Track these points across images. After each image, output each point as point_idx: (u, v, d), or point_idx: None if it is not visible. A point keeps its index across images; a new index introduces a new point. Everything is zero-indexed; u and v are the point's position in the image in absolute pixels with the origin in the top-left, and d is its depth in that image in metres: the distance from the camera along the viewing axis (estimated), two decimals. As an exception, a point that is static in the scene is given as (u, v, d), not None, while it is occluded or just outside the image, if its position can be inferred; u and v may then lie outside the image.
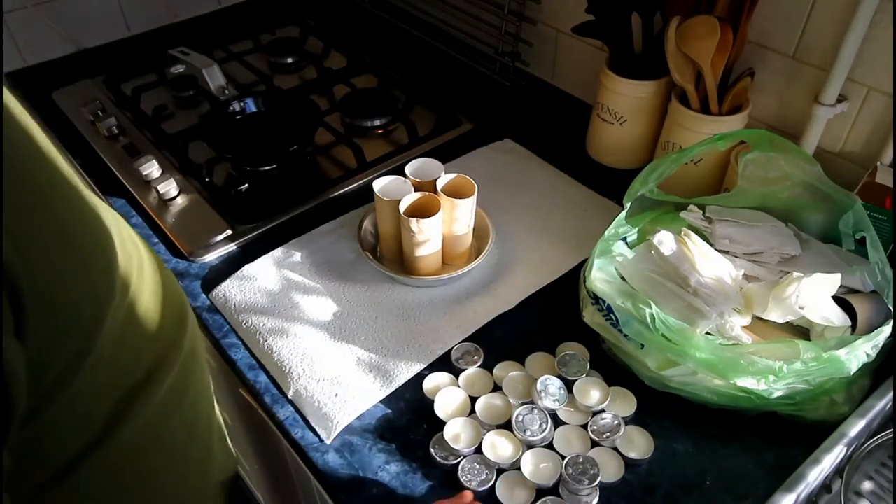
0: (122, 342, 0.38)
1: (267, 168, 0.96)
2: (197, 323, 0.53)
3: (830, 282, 0.65)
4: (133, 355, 0.41)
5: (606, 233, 0.70)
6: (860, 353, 0.59)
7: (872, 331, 0.62)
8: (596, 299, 0.67)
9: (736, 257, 0.73)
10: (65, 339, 0.33)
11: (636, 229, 0.76)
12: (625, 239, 0.72)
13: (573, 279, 0.80)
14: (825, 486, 0.65)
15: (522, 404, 0.66)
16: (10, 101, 0.33)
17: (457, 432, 0.65)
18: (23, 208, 0.30)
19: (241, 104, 1.03)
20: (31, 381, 0.30)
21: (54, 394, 0.33)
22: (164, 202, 0.92)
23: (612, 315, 0.65)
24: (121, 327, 0.38)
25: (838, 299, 0.67)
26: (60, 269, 0.32)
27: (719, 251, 0.72)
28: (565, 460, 0.61)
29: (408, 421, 0.68)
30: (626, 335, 0.64)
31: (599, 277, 0.67)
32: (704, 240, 0.77)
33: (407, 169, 0.80)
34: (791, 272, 0.66)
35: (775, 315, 0.66)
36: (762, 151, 0.75)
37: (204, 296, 0.81)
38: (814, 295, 0.65)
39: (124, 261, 0.40)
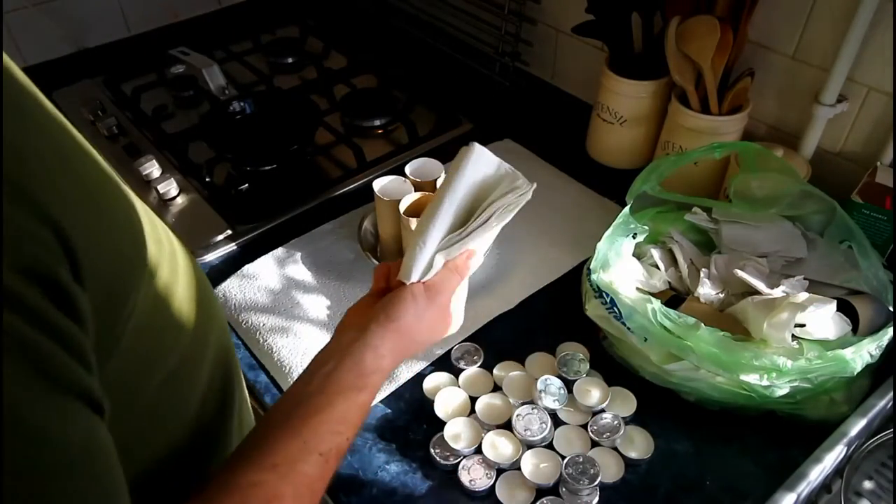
0: (149, 331, 0.38)
1: (267, 168, 0.96)
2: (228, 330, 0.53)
3: (826, 309, 0.64)
4: (159, 347, 0.41)
5: (612, 227, 0.70)
6: (865, 352, 0.59)
7: (873, 332, 0.62)
8: (599, 293, 0.67)
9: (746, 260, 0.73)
10: (107, 303, 0.32)
11: (641, 224, 0.76)
12: (634, 235, 0.72)
13: (573, 279, 0.80)
14: (825, 486, 0.65)
15: (522, 404, 0.66)
16: (16, 71, 0.33)
17: (457, 432, 0.65)
18: (52, 164, 0.29)
19: (241, 104, 1.03)
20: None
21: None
22: (164, 202, 0.92)
23: (615, 308, 0.65)
24: (149, 315, 0.38)
25: (840, 301, 0.67)
26: (95, 228, 0.31)
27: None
28: (565, 460, 0.61)
29: (408, 421, 0.68)
30: (629, 328, 0.64)
31: (604, 271, 0.67)
32: (710, 241, 0.77)
33: (407, 169, 0.80)
34: (788, 296, 0.65)
35: (772, 340, 0.65)
36: (747, 173, 0.75)
37: (204, 296, 0.81)
38: (811, 317, 0.64)
39: (154, 246, 0.40)
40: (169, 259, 0.42)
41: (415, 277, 0.54)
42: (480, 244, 0.57)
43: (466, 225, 0.55)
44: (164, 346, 0.40)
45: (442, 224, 0.55)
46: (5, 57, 0.32)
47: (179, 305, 0.42)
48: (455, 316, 0.57)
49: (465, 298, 0.59)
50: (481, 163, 0.56)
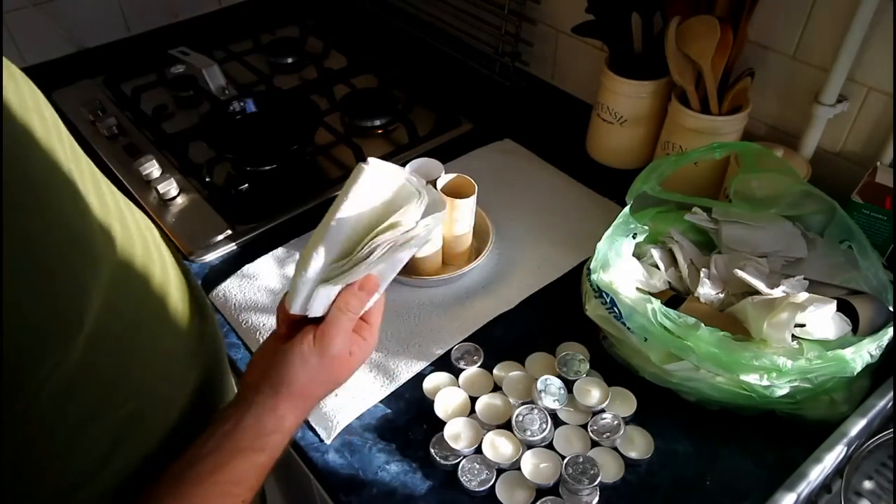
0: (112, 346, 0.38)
1: (267, 168, 0.96)
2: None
3: (826, 309, 0.64)
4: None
5: (612, 227, 0.70)
6: (865, 352, 0.59)
7: (873, 332, 0.62)
8: (599, 293, 0.67)
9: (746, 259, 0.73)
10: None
11: (641, 224, 0.76)
12: (634, 235, 0.72)
13: (573, 279, 0.80)
14: (825, 486, 0.65)
15: (522, 404, 0.66)
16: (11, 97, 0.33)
17: (457, 432, 0.65)
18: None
19: (241, 104, 1.03)
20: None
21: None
22: (164, 202, 0.92)
23: (615, 308, 0.65)
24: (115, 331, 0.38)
25: (840, 301, 0.67)
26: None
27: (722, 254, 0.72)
28: (565, 460, 0.61)
29: (408, 421, 0.68)
30: (629, 328, 0.64)
31: (604, 271, 0.67)
32: (710, 241, 0.77)
33: (407, 169, 0.80)
34: (788, 296, 0.65)
35: (772, 340, 0.65)
36: (747, 173, 0.75)
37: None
38: (811, 317, 0.64)
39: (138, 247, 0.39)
40: (143, 256, 0.42)
41: (296, 309, 0.49)
42: (376, 271, 0.51)
43: (350, 256, 0.49)
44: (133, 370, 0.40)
45: (326, 251, 0.49)
46: None
47: (175, 310, 0.43)
48: (362, 346, 0.52)
49: (381, 314, 0.54)
50: (378, 182, 0.50)
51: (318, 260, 0.49)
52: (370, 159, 0.50)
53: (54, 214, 0.32)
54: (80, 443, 0.37)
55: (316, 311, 0.50)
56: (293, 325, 0.51)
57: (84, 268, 0.34)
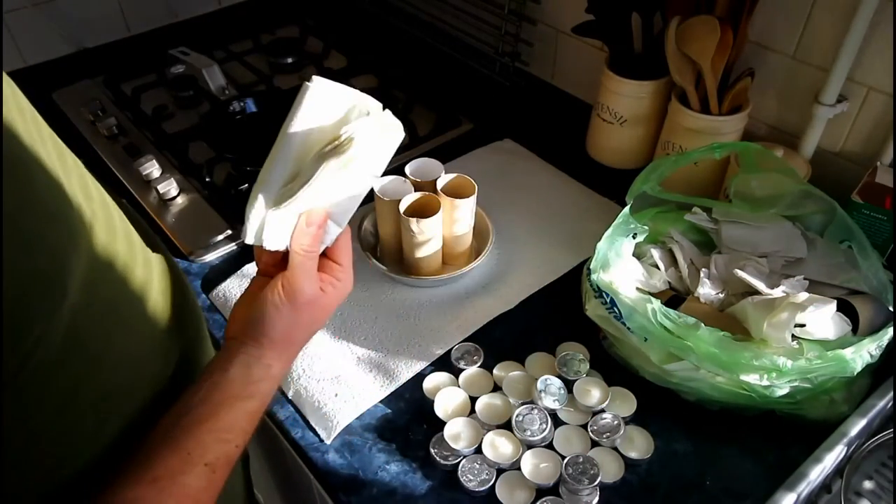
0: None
1: (267, 168, 0.96)
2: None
3: (826, 309, 0.64)
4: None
5: (612, 227, 0.70)
6: (865, 352, 0.59)
7: (873, 332, 0.62)
8: (599, 293, 0.67)
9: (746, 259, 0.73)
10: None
11: (641, 224, 0.76)
12: (634, 235, 0.72)
13: (573, 279, 0.80)
14: (825, 486, 0.65)
15: (522, 404, 0.66)
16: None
17: (457, 432, 0.65)
18: None
19: (241, 104, 1.03)
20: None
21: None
22: (164, 202, 0.92)
23: (615, 308, 0.65)
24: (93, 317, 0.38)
25: (840, 301, 0.67)
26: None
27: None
28: (565, 460, 0.61)
29: (408, 421, 0.68)
30: (629, 328, 0.64)
31: (604, 271, 0.67)
32: (710, 241, 0.77)
33: (407, 169, 0.80)
34: (788, 296, 0.65)
35: (772, 340, 0.65)
36: (747, 173, 0.75)
37: (204, 295, 0.81)
38: (811, 317, 0.64)
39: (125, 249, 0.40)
40: (124, 238, 0.43)
41: (250, 239, 0.48)
42: (328, 202, 0.48)
43: (297, 178, 0.47)
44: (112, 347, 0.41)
45: (274, 175, 0.47)
46: None
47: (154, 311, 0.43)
48: (337, 286, 0.51)
49: (350, 251, 0.52)
50: (328, 102, 0.47)
51: (268, 185, 0.47)
52: (315, 77, 0.47)
53: (30, 193, 0.33)
54: (66, 416, 0.38)
55: (271, 241, 0.48)
56: (274, 267, 0.51)
57: (63, 242, 0.35)
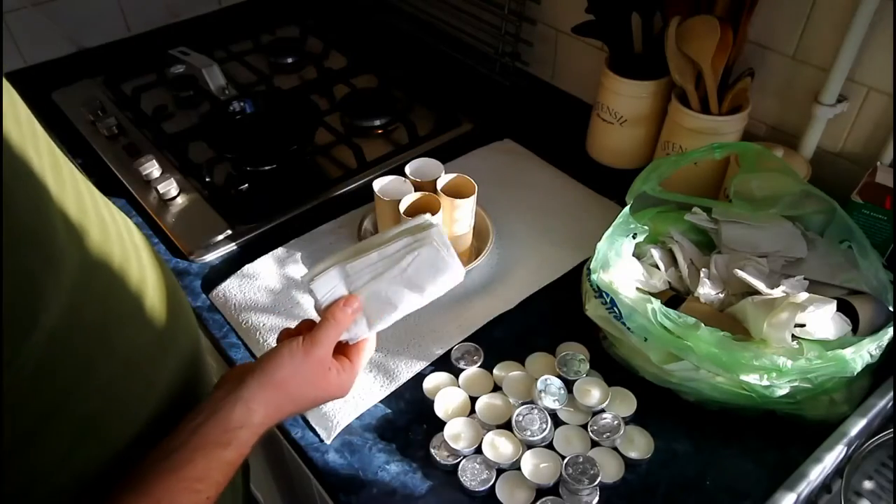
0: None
1: (267, 168, 0.96)
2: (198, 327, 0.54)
3: (826, 309, 0.64)
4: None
5: (612, 227, 0.70)
6: (865, 352, 0.59)
7: (873, 332, 0.62)
8: (599, 293, 0.67)
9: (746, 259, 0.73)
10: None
11: (641, 224, 0.76)
12: (634, 235, 0.72)
13: (573, 279, 0.80)
14: (825, 486, 0.65)
15: (522, 404, 0.66)
16: None
17: (457, 432, 0.65)
18: None
19: (241, 104, 1.03)
20: None
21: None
22: (164, 202, 0.92)
23: (615, 308, 0.65)
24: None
25: (840, 301, 0.67)
26: None
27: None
28: (565, 460, 0.61)
29: (408, 421, 0.68)
30: (629, 328, 0.64)
31: (604, 271, 0.67)
32: (710, 241, 0.77)
33: (407, 169, 0.80)
34: (788, 296, 0.65)
35: (772, 340, 0.65)
36: (747, 173, 0.75)
37: (204, 295, 0.81)
38: (811, 317, 0.64)
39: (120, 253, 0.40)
40: (120, 257, 0.43)
41: (309, 275, 0.54)
42: (370, 290, 0.54)
43: (369, 252, 0.54)
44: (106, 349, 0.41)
45: (359, 253, 0.55)
46: None
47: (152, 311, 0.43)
48: (342, 371, 0.54)
49: (363, 356, 0.57)
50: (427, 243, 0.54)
51: (348, 253, 0.55)
52: (437, 226, 0.55)
53: (9, 214, 0.32)
54: (39, 440, 0.37)
55: (319, 286, 0.54)
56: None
57: (41, 268, 0.34)
